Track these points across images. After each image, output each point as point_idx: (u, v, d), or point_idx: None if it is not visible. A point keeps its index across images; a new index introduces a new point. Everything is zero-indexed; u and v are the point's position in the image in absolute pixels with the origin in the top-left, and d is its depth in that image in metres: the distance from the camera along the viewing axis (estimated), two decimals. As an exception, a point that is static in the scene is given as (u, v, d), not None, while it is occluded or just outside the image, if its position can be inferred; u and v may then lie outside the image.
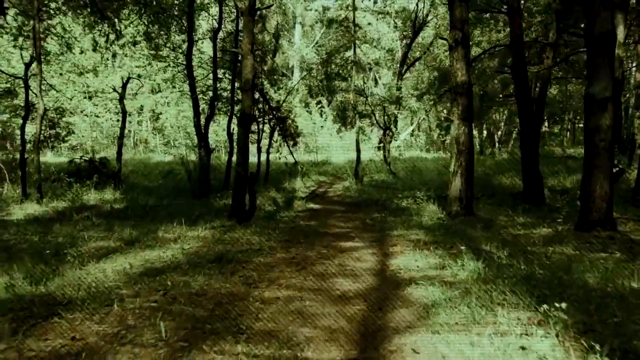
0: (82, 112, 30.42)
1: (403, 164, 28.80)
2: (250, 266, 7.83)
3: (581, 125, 49.01)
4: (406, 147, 39.26)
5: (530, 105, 16.09)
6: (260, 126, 21.65)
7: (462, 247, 8.95)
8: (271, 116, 21.59)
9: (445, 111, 42.32)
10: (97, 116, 32.53)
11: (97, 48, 16.91)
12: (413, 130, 44.04)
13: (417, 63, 37.58)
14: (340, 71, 34.60)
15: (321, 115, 40.54)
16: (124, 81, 18.89)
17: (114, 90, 19.73)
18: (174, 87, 21.51)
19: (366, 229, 12.07)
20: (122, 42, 17.00)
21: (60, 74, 21.04)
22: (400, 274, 7.51)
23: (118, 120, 35.94)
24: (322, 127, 39.60)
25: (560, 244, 9.41)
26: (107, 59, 19.00)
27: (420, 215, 13.46)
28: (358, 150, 21.64)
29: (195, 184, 17.50)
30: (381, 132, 29.55)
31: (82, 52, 18.25)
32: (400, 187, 19.29)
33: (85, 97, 29.62)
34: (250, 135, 23.10)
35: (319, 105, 40.94)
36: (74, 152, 30.09)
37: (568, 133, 46.64)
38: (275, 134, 22.73)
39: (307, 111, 38.90)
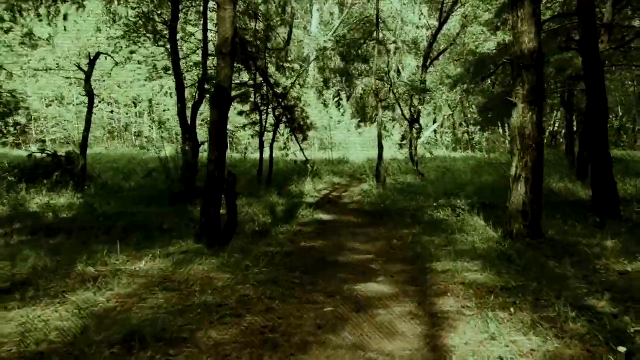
0: (62, 99, 26.88)
1: (431, 163, 25.01)
2: (182, 356, 4.17)
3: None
4: (431, 145, 35.34)
5: (603, 90, 12.34)
6: (264, 116, 18.03)
7: (560, 304, 5.35)
8: (276, 104, 17.96)
9: (474, 107, 38.50)
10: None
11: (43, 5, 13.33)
12: (437, 128, 40.12)
13: (441, 57, 33.81)
14: (360, 52, 30.41)
15: (339, 109, 36.68)
16: (92, 57, 15.30)
17: (79, 67, 16.12)
18: (155, 68, 17.74)
19: (394, 256, 8.46)
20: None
21: (8, 46, 17.38)
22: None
23: (112, 112, 32.57)
24: (339, 122, 35.72)
25: None
26: (61, 26, 15.53)
27: (466, 234, 9.83)
28: (380, 147, 17.81)
29: (174, 187, 13.89)
30: (405, 126, 25.82)
31: (40, 19, 14.54)
32: (432, 193, 15.59)
33: (70, 84, 26.16)
34: (251, 127, 19.54)
35: (336, 98, 37.06)
36: (60, 147, 26.62)
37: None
38: (282, 126, 19.14)
39: (322, 104, 35.02)
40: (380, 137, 17.96)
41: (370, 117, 43.24)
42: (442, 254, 8.24)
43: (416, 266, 7.64)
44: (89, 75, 15.15)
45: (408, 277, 6.98)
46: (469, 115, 40.55)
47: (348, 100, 41.06)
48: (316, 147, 34.09)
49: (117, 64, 17.10)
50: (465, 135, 40.98)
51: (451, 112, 36.21)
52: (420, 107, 24.60)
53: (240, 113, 18.64)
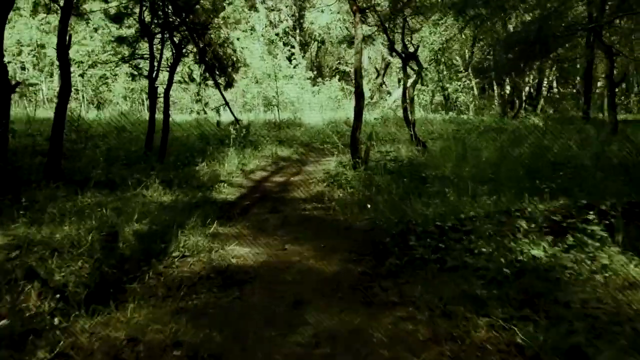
0: None
1: (419, 126, 17.38)
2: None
3: None
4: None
5: None
6: (157, 46, 10.29)
7: None
8: (177, 22, 10.25)
9: (457, 59, 31.30)
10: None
11: None
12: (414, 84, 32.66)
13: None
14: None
15: (290, 61, 29.10)
16: None
17: None
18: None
19: None
20: None
21: None
22: None
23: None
24: (291, 77, 28.03)
25: None
26: None
27: None
28: (359, 95, 9.78)
29: None
30: (373, 82, 18.21)
31: None
32: (452, 175, 8.03)
33: None
34: (136, 62, 11.62)
35: (286, 47, 29.49)
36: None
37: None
38: (191, 62, 11.46)
39: (271, 54, 27.40)
40: (359, 75, 9.87)
41: (329, 73, 35.83)
42: None
43: None
44: None
45: None
46: (445, 72, 33.39)
47: (304, 55, 33.34)
48: (261, 108, 26.34)
49: None
50: (444, 93, 33.80)
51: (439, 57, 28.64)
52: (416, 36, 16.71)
53: (120, 40, 10.92)
